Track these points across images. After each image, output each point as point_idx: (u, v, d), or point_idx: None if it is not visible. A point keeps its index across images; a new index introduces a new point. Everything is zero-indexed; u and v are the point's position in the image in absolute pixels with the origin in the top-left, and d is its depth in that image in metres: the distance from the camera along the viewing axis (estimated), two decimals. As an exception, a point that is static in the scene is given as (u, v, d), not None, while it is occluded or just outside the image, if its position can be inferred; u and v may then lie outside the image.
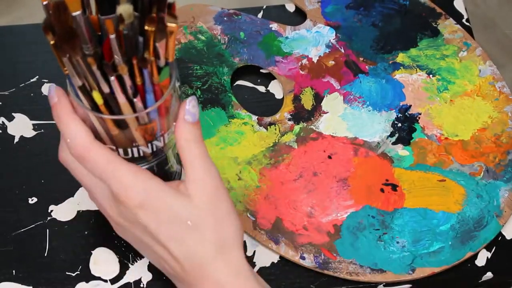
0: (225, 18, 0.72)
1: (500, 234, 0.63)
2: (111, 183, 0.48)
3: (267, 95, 0.70)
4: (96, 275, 0.60)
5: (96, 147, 0.48)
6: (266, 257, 0.61)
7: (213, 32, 0.71)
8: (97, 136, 0.49)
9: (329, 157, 0.65)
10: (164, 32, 0.45)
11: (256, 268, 0.61)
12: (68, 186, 0.64)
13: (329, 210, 0.63)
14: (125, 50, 0.45)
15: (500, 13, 0.76)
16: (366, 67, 0.70)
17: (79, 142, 0.48)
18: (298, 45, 0.71)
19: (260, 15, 0.74)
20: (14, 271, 0.60)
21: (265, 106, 0.69)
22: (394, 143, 0.66)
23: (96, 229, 0.62)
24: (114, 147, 0.49)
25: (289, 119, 0.67)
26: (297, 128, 0.66)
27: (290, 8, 0.75)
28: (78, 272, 0.60)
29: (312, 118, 0.67)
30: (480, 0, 0.76)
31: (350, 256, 0.61)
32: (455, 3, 0.75)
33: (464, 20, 0.74)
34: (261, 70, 0.71)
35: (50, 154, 0.66)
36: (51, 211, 0.63)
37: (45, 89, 0.69)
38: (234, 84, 0.70)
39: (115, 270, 0.60)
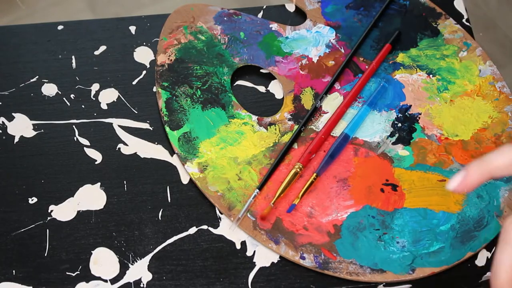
0: (225, 18, 0.72)
1: (500, 234, 0.63)
2: None
3: (267, 95, 0.70)
4: (96, 275, 0.60)
5: None
6: (266, 257, 0.61)
7: (213, 32, 0.71)
8: None
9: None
10: None
11: (256, 268, 0.61)
12: (68, 186, 0.64)
13: (329, 210, 0.63)
14: None
15: (500, 13, 0.76)
16: (366, 67, 0.70)
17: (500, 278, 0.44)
18: (298, 45, 0.71)
19: (260, 15, 0.74)
20: (14, 271, 0.60)
21: (265, 106, 0.69)
22: (394, 143, 0.66)
23: (96, 229, 0.62)
24: None
25: (289, 119, 0.67)
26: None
27: (290, 8, 0.75)
28: (78, 272, 0.60)
29: (312, 118, 0.67)
30: (480, 0, 0.76)
31: (350, 256, 0.61)
32: (455, 3, 0.75)
33: (464, 20, 0.74)
34: (261, 70, 0.71)
35: (50, 154, 0.66)
36: (51, 211, 0.63)
37: (45, 89, 0.69)
38: (234, 84, 0.70)
39: (115, 270, 0.60)
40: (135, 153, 0.66)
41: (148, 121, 0.67)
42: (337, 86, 0.69)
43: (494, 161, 0.46)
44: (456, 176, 0.47)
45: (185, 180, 0.65)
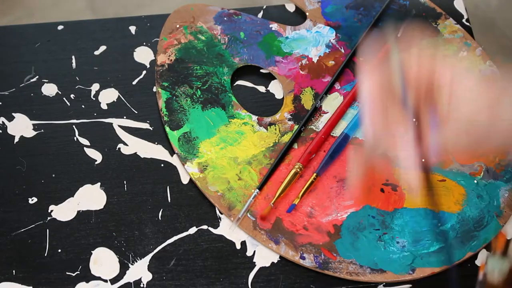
0: (225, 18, 0.72)
1: (500, 234, 0.63)
2: None
3: (267, 95, 0.70)
4: (96, 275, 0.60)
5: None
6: (266, 257, 0.61)
7: (213, 32, 0.71)
8: None
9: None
10: None
11: (256, 268, 0.61)
12: (68, 186, 0.64)
13: (329, 210, 0.63)
14: None
15: (500, 13, 0.76)
16: (366, 67, 0.70)
17: None
18: (298, 45, 0.71)
19: (260, 15, 0.74)
20: (14, 271, 0.60)
21: (265, 106, 0.69)
22: (394, 143, 0.66)
23: (96, 229, 0.62)
24: None
25: (289, 119, 0.67)
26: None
27: (290, 8, 0.75)
28: (78, 272, 0.60)
29: (312, 118, 0.67)
30: (480, 0, 0.76)
31: (350, 256, 0.61)
32: (455, 3, 0.75)
33: (464, 20, 0.74)
34: (261, 70, 0.71)
35: (50, 154, 0.66)
36: (51, 211, 0.63)
37: (45, 89, 0.69)
38: (234, 84, 0.70)
39: (115, 270, 0.60)
40: (135, 153, 0.66)
41: (148, 121, 0.67)
42: (337, 86, 0.69)
43: None
44: None
45: (185, 180, 0.65)
